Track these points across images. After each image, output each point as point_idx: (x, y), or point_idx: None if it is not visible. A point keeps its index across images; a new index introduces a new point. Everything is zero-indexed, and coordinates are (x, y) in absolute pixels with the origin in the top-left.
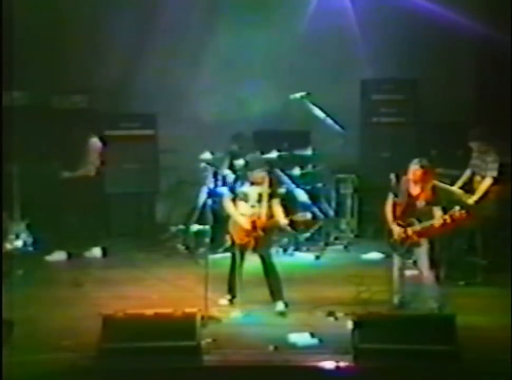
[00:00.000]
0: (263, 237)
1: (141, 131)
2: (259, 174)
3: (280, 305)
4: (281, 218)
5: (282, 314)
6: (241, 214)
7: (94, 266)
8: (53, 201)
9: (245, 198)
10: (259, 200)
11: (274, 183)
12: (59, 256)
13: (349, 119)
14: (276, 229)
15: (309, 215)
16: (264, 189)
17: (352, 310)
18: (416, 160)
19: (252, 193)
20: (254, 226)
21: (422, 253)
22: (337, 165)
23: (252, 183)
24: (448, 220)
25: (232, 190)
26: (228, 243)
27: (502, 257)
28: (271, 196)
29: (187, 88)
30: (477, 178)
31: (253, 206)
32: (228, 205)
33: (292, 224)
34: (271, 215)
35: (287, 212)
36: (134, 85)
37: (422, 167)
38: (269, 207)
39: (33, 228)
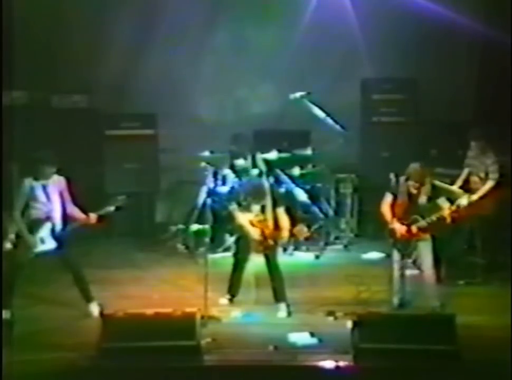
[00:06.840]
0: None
1: (142, 131)
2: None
3: (282, 312)
4: (285, 231)
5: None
6: (250, 222)
7: (94, 266)
8: None
9: (249, 210)
10: (263, 211)
11: (276, 195)
12: None
13: (349, 118)
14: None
15: (305, 229)
16: (267, 201)
17: (352, 310)
18: (412, 165)
19: (255, 206)
20: (264, 236)
21: (425, 251)
22: (337, 165)
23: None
24: (457, 211)
25: (238, 201)
26: (229, 242)
27: (502, 257)
28: (275, 205)
29: (187, 88)
30: (475, 178)
31: (257, 215)
32: (238, 215)
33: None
34: (277, 224)
35: (292, 219)
36: (134, 85)
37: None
38: (275, 216)
39: None
